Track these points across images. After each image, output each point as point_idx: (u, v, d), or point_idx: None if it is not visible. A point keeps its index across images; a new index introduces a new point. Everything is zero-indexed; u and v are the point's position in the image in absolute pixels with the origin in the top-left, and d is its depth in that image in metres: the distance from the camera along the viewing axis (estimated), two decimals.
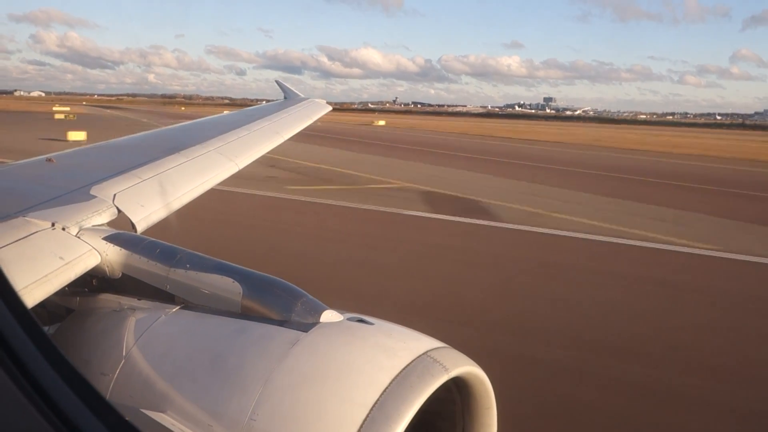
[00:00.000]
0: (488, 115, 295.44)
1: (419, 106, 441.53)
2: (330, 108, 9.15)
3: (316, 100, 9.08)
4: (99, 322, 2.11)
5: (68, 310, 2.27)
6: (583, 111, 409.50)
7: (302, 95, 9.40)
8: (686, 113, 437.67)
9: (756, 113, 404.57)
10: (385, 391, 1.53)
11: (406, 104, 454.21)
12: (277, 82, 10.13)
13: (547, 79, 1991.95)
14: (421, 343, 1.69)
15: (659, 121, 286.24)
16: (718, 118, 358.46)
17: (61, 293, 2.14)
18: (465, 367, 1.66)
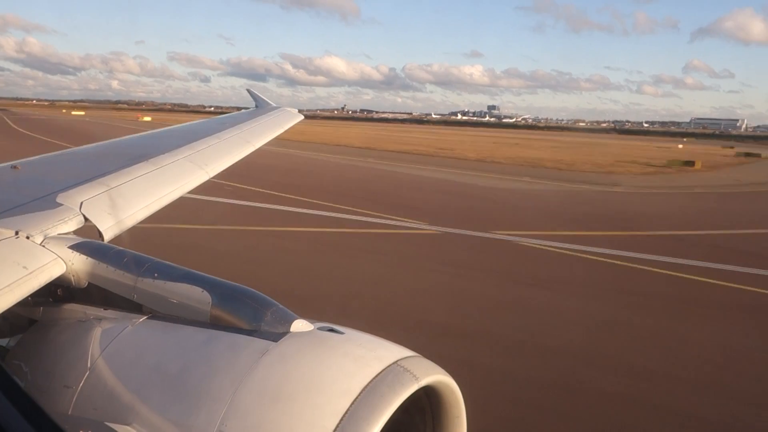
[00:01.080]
0: (414, 121, 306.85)
1: (365, 113, 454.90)
2: (302, 117, 9.11)
3: (288, 109, 9.03)
4: (63, 332, 2.06)
5: (31, 321, 2.21)
6: (523, 119, 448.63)
7: (274, 104, 9.35)
8: (626, 121, 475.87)
9: (684, 122, 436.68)
10: (355, 400, 1.52)
11: (354, 111, 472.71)
12: (248, 90, 10.10)
13: (510, 87, 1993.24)
14: (391, 352, 1.69)
15: (590, 129, 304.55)
16: (645, 125, 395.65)
17: (24, 303, 2.07)
18: (435, 375, 1.66)
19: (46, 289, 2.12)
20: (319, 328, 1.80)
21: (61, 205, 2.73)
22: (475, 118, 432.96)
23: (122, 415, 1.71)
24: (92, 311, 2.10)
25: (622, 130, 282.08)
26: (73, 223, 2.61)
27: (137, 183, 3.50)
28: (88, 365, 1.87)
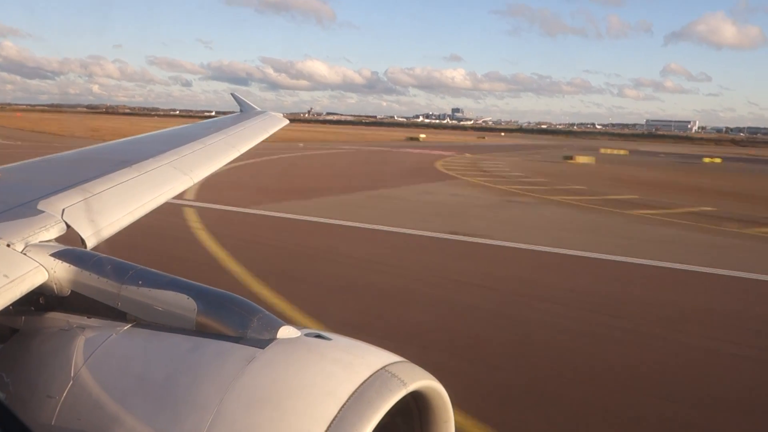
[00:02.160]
0: (376, 123, 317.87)
1: (334, 115, 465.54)
2: (287, 121, 9.00)
3: (272, 113, 8.92)
4: (46, 341, 2.03)
5: (12, 331, 2.18)
6: (483, 121, 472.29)
7: (258, 108, 9.27)
8: (590, 123, 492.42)
9: (639, 124, 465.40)
10: (343, 406, 1.52)
11: (318, 113, 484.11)
12: (233, 95, 9.93)
13: (493, 91, 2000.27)
14: (379, 357, 1.68)
15: (545, 130, 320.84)
16: (598, 127, 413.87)
17: (6, 312, 2.04)
18: (423, 381, 1.66)
19: (27, 297, 2.09)
20: (306, 335, 1.79)
21: (43, 212, 2.68)
22: (436, 121, 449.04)
23: (107, 425, 1.69)
24: (75, 320, 2.07)
25: (567, 131, 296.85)
26: (54, 231, 2.57)
27: (120, 189, 3.45)
28: (72, 375, 1.85)
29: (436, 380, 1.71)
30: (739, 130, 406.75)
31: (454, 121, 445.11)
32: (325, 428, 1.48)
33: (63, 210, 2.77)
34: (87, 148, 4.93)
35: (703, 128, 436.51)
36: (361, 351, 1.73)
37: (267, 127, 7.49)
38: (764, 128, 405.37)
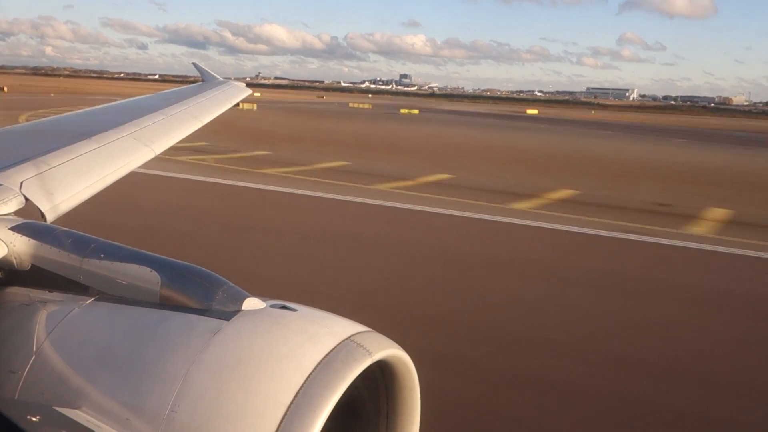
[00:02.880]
0: (323, 88, 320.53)
1: (283, 80, 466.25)
2: (249, 91, 8.83)
3: (235, 83, 8.78)
4: (7, 316, 2.00)
5: None
6: (429, 87, 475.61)
7: (220, 78, 9.10)
8: (536, 90, 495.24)
9: (579, 92, 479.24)
10: (309, 376, 1.53)
11: (266, 78, 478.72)
12: (194, 64, 9.73)
13: (453, 58, 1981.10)
14: (344, 327, 1.70)
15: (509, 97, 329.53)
16: (538, 94, 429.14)
17: None
18: (388, 350, 1.69)
19: None
20: (272, 306, 1.79)
21: (0, 185, 2.63)
22: (384, 87, 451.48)
23: (71, 398, 1.69)
24: (36, 294, 2.05)
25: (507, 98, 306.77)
26: (13, 204, 2.52)
27: (80, 161, 3.39)
28: (34, 349, 1.83)
29: (402, 349, 1.74)
30: (672, 98, 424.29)
31: (399, 87, 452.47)
32: (291, 398, 1.50)
33: (21, 183, 2.72)
34: (44, 119, 4.83)
35: (643, 96, 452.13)
36: (327, 321, 1.74)
37: (230, 98, 7.38)
38: (702, 97, 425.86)
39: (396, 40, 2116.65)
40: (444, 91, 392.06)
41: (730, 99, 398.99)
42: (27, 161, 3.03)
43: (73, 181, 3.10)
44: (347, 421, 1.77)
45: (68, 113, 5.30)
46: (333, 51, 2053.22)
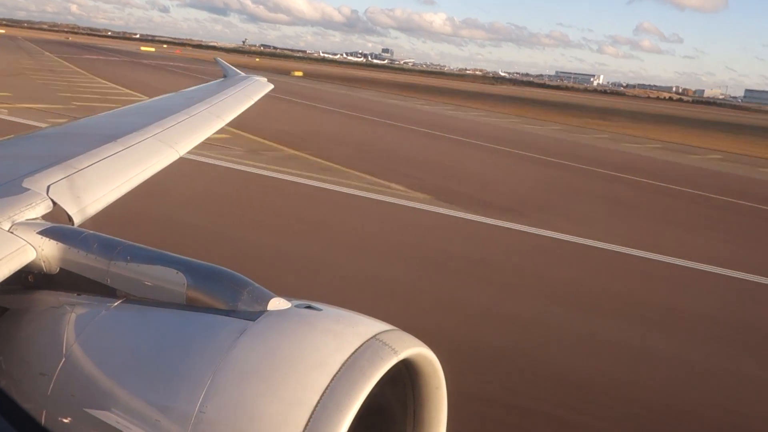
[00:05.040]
0: (306, 58, 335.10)
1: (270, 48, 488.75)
2: (272, 86, 8.73)
3: (257, 78, 8.71)
4: (36, 319, 2.03)
5: (2, 309, 2.16)
6: (405, 62, 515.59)
7: (242, 73, 9.00)
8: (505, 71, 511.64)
9: (548, 75, 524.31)
10: (335, 376, 1.54)
11: (252, 45, 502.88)
12: (216, 60, 9.68)
13: (473, 38, 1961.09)
14: (369, 326, 1.70)
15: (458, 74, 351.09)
16: (503, 74, 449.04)
17: None
18: (414, 348, 1.69)
19: (16, 276, 2.07)
20: (297, 306, 1.80)
21: (28, 189, 2.64)
22: (362, 60, 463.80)
23: (101, 400, 1.71)
24: (65, 297, 2.07)
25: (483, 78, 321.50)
26: (41, 208, 2.53)
27: (105, 164, 3.40)
28: (64, 352, 1.85)
29: (427, 347, 1.74)
30: (625, 85, 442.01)
31: (376, 60, 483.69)
32: (317, 398, 1.51)
33: (48, 187, 2.73)
34: (71, 123, 4.83)
35: (609, 82, 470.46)
36: (352, 321, 1.75)
37: (251, 94, 7.37)
38: (665, 87, 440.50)
39: (415, 17, 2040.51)
40: (418, 67, 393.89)
41: (690, 90, 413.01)
42: (54, 165, 3.05)
43: (99, 184, 3.12)
44: (374, 420, 1.78)
45: (94, 116, 5.33)
46: (353, 24, 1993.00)
